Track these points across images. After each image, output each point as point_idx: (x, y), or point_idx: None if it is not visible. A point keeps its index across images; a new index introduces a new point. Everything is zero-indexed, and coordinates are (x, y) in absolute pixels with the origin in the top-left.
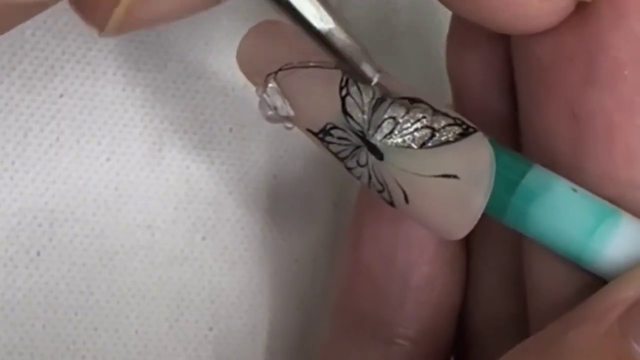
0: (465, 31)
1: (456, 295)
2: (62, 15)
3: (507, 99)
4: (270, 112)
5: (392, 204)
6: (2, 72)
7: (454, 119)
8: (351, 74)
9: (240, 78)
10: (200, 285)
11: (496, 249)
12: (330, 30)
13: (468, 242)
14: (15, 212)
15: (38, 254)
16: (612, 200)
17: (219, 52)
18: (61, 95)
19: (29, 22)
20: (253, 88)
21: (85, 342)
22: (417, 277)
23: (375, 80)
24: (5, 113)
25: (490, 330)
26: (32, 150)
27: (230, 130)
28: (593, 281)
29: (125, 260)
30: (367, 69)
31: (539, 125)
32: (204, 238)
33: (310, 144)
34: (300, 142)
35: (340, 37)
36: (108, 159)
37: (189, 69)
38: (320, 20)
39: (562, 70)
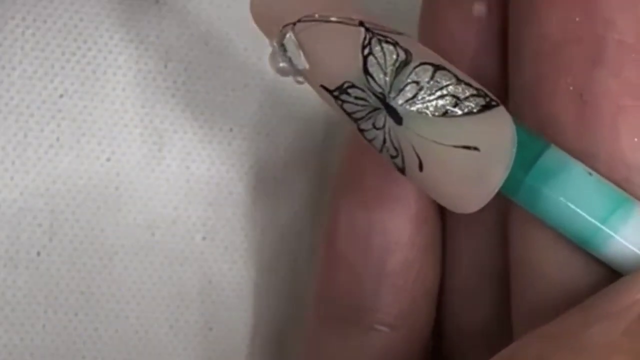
0: None
1: (433, 280)
2: (62, 15)
3: (490, 65)
4: (282, 64)
5: (402, 170)
6: (2, 72)
7: (478, 90)
8: None
9: (241, 78)
10: (200, 285)
11: (475, 234)
12: None
13: (445, 227)
14: (15, 212)
15: (38, 254)
16: (618, 184)
17: (219, 52)
18: (61, 95)
19: (29, 22)
20: (253, 88)
21: (85, 342)
22: (393, 263)
23: None
24: (5, 113)
25: (467, 316)
26: (32, 150)
27: (230, 130)
28: (598, 268)
29: (125, 260)
30: None
31: (543, 104)
32: (204, 238)
33: (311, 144)
34: (300, 142)
35: None
36: (108, 159)
37: (189, 69)
38: None
39: (569, 52)
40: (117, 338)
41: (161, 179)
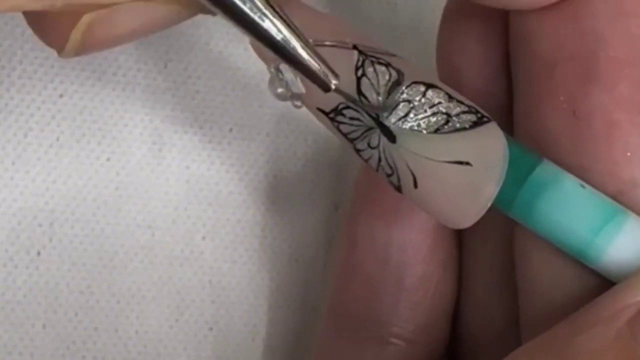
0: (461, 13)
1: (450, 295)
2: None
3: (500, 85)
4: (280, 89)
5: (399, 188)
6: (2, 72)
7: (469, 106)
8: (312, 79)
9: (240, 78)
10: (200, 285)
11: (489, 249)
12: (284, 39)
13: (461, 242)
14: (15, 212)
15: (38, 254)
16: (612, 197)
17: (219, 52)
18: (61, 95)
19: None
20: (253, 88)
21: (85, 342)
22: (411, 277)
23: (333, 87)
24: (5, 113)
25: (483, 330)
26: (32, 150)
27: (230, 130)
28: (593, 279)
29: (125, 260)
30: (324, 76)
31: (538, 121)
32: (204, 238)
33: (311, 144)
34: (300, 142)
35: (296, 45)
36: (108, 159)
37: (189, 69)
38: (277, 31)
39: (562, 69)
40: (117, 338)
41: (161, 179)
